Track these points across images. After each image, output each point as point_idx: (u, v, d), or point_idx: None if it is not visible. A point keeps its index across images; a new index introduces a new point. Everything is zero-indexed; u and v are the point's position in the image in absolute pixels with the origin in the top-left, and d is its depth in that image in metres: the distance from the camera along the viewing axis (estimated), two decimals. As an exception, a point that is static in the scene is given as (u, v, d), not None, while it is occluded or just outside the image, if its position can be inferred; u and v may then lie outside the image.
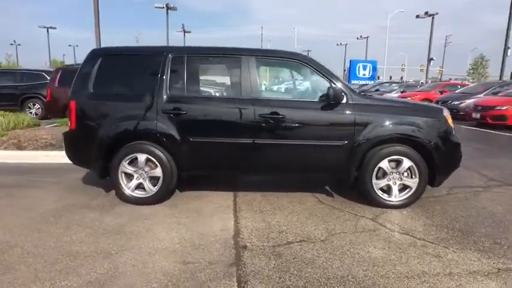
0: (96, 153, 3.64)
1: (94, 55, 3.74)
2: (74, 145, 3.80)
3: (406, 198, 3.59)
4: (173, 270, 2.44)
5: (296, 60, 3.65)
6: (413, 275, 2.39)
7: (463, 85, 16.42)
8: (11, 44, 53.63)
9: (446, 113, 3.64)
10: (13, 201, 3.82)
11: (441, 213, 3.52)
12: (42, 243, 2.85)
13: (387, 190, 3.62)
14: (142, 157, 3.60)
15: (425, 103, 4.50)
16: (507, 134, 9.25)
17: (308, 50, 58.64)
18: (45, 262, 2.55)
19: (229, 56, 3.69)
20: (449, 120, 3.60)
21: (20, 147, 6.12)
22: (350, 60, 21.75)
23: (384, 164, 3.53)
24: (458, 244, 2.86)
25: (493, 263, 2.57)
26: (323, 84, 3.58)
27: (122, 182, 3.67)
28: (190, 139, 3.54)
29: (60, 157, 5.70)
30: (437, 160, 3.50)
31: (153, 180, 3.69)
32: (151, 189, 3.67)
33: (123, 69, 3.74)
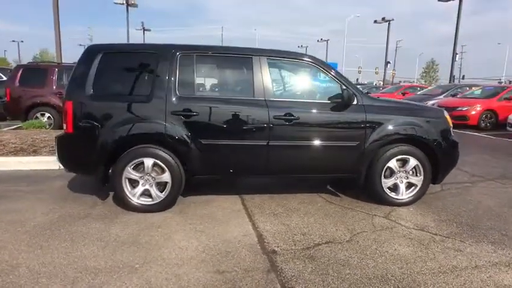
0: (98, 159, 3.35)
1: (92, 52, 3.44)
2: (70, 150, 3.47)
3: (412, 196, 3.74)
4: (211, 281, 2.31)
5: (306, 62, 3.65)
6: (446, 270, 2.48)
7: (422, 87, 17.58)
8: None
9: (446, 113, 3.86)
10: (-3, 215, 3.41)
11: (444, 209, 3.71)
12: (49, 260, 2.56)
13: (394, 188, 3.75)
14: (149, 162, 3.38)
15: (426, 104, 4.65)
16: (470, 132, 10.04)
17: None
18: (63, 282, 2.29)
19: (239, 56, 3.58)
20: (449, 121, 3.81)
21: (-16, 153, 5.49)
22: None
23: (392, 163, 3.65)
24: (471, 238, 3.03)
25: (509, 253, 2.75)
26: (333, 85, 3.62)
27: (126, 189, 3.42)
28: (202, 142, 3.39)
29: (35, 163, 5.24)
30: (440, 158, 3.69)
31: (160, 186, 3.49)
32: (158, 195, 3.46)
33: (126, 68, 3.50)
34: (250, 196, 4.03)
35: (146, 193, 3.49)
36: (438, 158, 3.68)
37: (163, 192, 3.47)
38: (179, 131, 3.35)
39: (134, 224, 3.21)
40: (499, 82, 39.53)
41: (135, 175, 3.42)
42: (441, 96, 12.52)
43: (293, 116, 3.45)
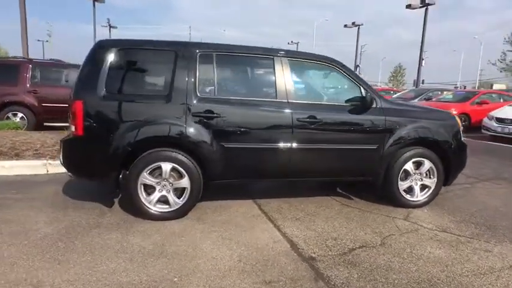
0: (111, 163, 3.10)
1: (104, 48, 3.17)
2: (80, 154, 3.18)
3: (426, 198, 3.82)
4: (262, 293, 2.19)
5: (327, 64, 3.61)
6: (485, 272, 2.53)
7: (396, 91, 18.30)
8: None
9: (457, 117, 3.99)
10: (-7, 227, 3.04)
11: (456, 210, 3.82)
12: (74, 276, 2.31)
13: (408, 191, 3.81)
14: (167, 166, 3.18)
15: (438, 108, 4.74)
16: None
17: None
18: (99, 301, 2.07)
19: (261, 56, 3.47)
20: (459, 124, 3.95)
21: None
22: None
23: (409, 165, 3.71)
24: (493, 238, 3.13)
25: (532, 252, 2.88)
26: (353, 88, 3.62)
27: (141, 196, 3.20)
28: (224, 145, 3.24)
29: (19, 168, 4.80)
30: (451, 161, 3.80)
31: (177, 191, 3.29)
32: (176, 202, 3.26)
33: (142, 66, 3.28)
34: (264, 201, 3.92)
35: (162, 200, 3.28)
36: (450, 160, 3.79)
37: (181, 199, 3.28)
38: (200, 134, 3.18)
39: (155, 234, 3.00)
40: (455, 87, 42.18)
41: (151, 181, 3.20)
42: (415, 100, 13.10)
43: (316, 118, 3.40)
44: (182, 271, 2.42)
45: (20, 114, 7.87)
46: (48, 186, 4.25)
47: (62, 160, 3.32)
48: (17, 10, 13.01)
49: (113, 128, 3.08)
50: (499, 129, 8.79)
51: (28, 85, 7.88)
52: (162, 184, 3.24)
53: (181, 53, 3.23)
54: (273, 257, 2.67)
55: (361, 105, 3.50)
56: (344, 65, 3.64)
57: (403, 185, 3.75)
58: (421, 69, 23.37)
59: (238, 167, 3.37)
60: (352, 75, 3.63)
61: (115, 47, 3.16)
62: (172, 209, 3.26)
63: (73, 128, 3.13)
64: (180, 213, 3.29)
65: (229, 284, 2.28)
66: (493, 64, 31.17)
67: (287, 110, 3.35)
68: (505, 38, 30.17)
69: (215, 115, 3.21)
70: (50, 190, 4.10)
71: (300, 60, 3.56)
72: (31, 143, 5.54)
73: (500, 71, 30.50)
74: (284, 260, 2.62)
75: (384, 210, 3.74)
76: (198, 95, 3.21)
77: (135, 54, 3.26)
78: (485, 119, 9.48)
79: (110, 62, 3.12)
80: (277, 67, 3.41)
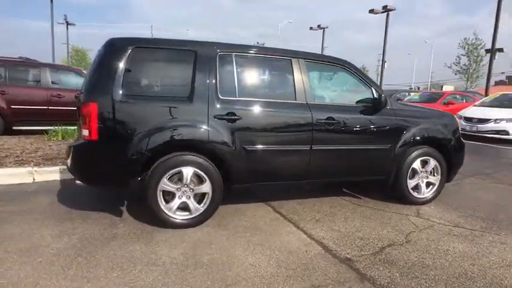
0: (130, 169, 2.91)
1: (119, 47, 2.96)
2: (94, 160, 2.94)
3: (431, 194, 3.99)
4: (316, 298, 2.16)
5: (341, 65, 3.66)
6: (509, 263, 2.68)
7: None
8: None
9: (457, 118, 4.22)
10: (-5, 244, 2.72)
11: (459, 205, 4.02)
12: (111, 295, 2.13)
13: (415, 188, 3.96)
14: (188, 171, 3.04)
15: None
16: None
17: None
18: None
19: (279, 57, 3.43)
20: (459, 124, 4.17)
21: None
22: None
23: (416, 164, 3.86)
24: (502, 230, 3.33)
25: (540, 242, 3.10)
26: (365, 89, 3.69)
27: (161, 203, 3.03)
28: (247, 148, 3.16)
29: (2, 177, 4.36)
30: (453, 159, 4.01)
31: (196, 197, 3.16)
32: (197, 208, 3.13)
33: (160, 66, 3.11)
34: (277, 203, 3.88)
35: (181, 206, 3.13)
36: (452, 158, 4.00)
37: (202, 205, 3.15)
38: (223, 137, 3.08)
39: (180, 243, 2.85)
40: (410, 88, 44.77)
41: (171, 187, 3.04)
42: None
43: (334, 119, 3.43)
44: (226, 281, 2.32)
45: (-19, 118, 7.17)
46: (40, 196, 3.90)
47: (71, 167, 3.06)
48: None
49: (132, 132, 2.89)
50: (468, 128, 9.45)
51: (-8, 85, 7.21)
52: (183, 190, 3.09)
53: (201, 53, 3.10)
54: (309, 260, 2.64)
55: (375, 105, 3.58)
56: (355, 66, 3.71)
57: (411, 183, 3.89)
58: (383, 71, 24.56)
59: (260, 169, 3.30)
60: (363, 76, 3.71)
61: (131, 46, 2.96)
62: (193, 216, 3.12)
63: (86, 132, 2.89)
64: (201, 220, 3.15)
65: (280, 291, 2.22)
66: (448, 67, 33.66)
67: (307, 111, 3.34)
68: (459, 43, 32.69)
69: (237, 117, 3.12)
70: (43, 200, 3.77)
71: (315, 61, 3.57)
72: (10, 149, 5.07)
73: (455, 74, 33.01)
74: (322, 263, 2.60)
75: (394, 208, 3.85)
76: (220, 96, 3.10)
77: (153, 54, 3.08)
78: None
79: (126, 62, 2.92)
80: (295, 68, 3.39)
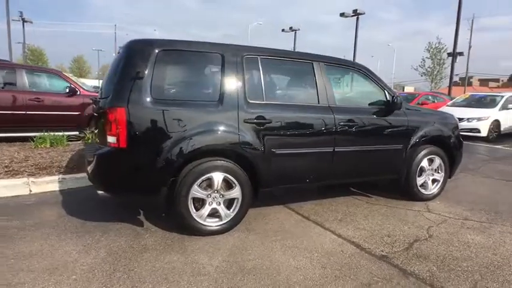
0: (163, 177, 2.82)
1: (144, 49, 2.85)
2: (123, 169, 2.81)
3: (436, 191, 4.23)
4: (373, 296, 2.22)
5: (356, 68, 3.79)
6: (525, 250, 2.93)
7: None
8: None
9: (456, 117, 4.50)
10: (17, 264, 2.52)
11: (460, 200, 4.29)
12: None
13: (422, 185, 4.17)
14: (219, 177, 2.99)
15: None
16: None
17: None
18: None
19: (301, 61, 3.48)
20: (458, 123, 4.46)
21: None
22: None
23: (424, 163, 4.07)
24: (506, 221, 3.60)
25: (543, 230, 3.40)
26: (379, 91, 3.84)
27: (192, 211, 2.96)
28: (276, 151, 3.18)
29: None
30: (455, 156, 4.28)
31: (225, 203, 3.12)
32: (227, 214, 3.09)
33: (188, 69, 3.04)
34: (295, 205, 3.92)
35: (210, 213, 3.07)
36: (454, 155, 4.27)
37: (231, 210, 3.12)
38: (253, 141, 3.07)
39: (216, 250, 2.81)
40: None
41: (202, 193, 2.98)
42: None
43: (354, 121, 3.54)
44: (279, 285, 2.32)
45: None
46: (44, 208, 3.65)
47: (93, 177, 2.91)
48: None
49: (163, 137, 2.80)
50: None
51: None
52: (213, 196, 3.04)
53: (229, 56, 3.07)
54: (349, 260, 2.71)
55: (390, 107, 3.73)
56: (369, 69, 3.84)
57: (419, 181, 4.10)
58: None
59: (287, 173, 3.33)
60: (376, 79, 3.86)
61: (158, 48, 2.87)
62: (223, 222, 3.08)
63: (112, 139, 2.75)
64: (231, 226, 3.12)
65: (336, 292, 2.26)
66: (415, 69, 35.53)
67: (330, 114, 3.42)
68: (425, 47, 34.56)
69: (266, 121, 3.13)
70: (50, 213, 3.53)
71: (333, 64, 3.66)
72: (-5, 159, 4.68)
73: (421, 75, 34.92)
74: (363, 262, 2.68)
75: (405, 205, 4.04)
76: (248, 100, 3.09)
77: (179, 57, 3.00)
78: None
79: (154, 65, 2.82)
80: (317, 71, 3.46)
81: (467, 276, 2.49)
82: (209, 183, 3.01)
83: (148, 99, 2.78)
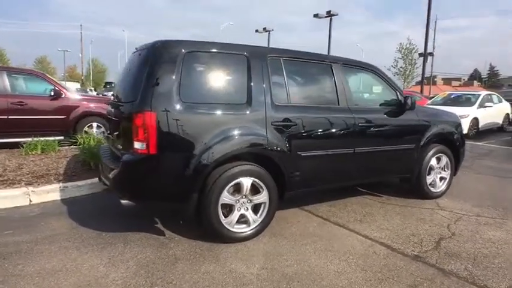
0: (193, 184, 2.70)
1: (172, 51, 2.72)
2: (152, 176, 2.65)
3: (444, 188, 4.35)
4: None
5: (371, 70, 3.82)
6: (543, 244, 3.06)
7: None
8: None
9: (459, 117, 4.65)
10: (44, 283, 2.32)
11: (466, 196, 4.41)
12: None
13: (431, 183, 4.28)
14: (247, 182, 2.91)
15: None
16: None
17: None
18: None
19: (322, 63, 3.46)
20: (461, 122, 4.61)
21: None
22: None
23: (433, 161, 4.17)
24: (515, 216, 3.78)
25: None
26: (391, 91, 3.89)
27: (221, 218, 2.85)
28: (302, 154, 3.14)
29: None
30: (459, 154, 4.43)
31: (252, 208, 3.04)
32: (255, 219, 3.01)
33: (214, 71, 2.93)
34: (311, 207, 3.89)
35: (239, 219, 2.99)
36: (459, 154, 4.41)
37: (258, 215, 3.05)
38: (280, 144, 3.01)
39: (250, 257, 2.73)
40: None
41: (231, 199, 2.89)
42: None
43: (372, 122, 3.57)
44: (328, 291, 2.29)
45: None
46: (51, 219, 3.41)
47: (117, 185, 2.74)
48: None
49: (193, 142, 2.68)
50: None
51: None
52: (241, 202, 2.95)
53: (254, 58, 3.00)
54: (385, 261, 2.72)
55: (403, 107, 3.79)
56: (381, 70, 3.89)
57: (429, 179, 4.20)
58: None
59: (312, 175, 3.30)
60: (388, 80, 3.91)
61: (185, 49, 2.74)
62: (251, 228, 3.00)
63: (139, 145, 2.60)
64: (259, 231, 3.04)
65: (386, 295, 2.25)
66: (388, 69, 36.61)
67: (350, 116, 3.43)
68: (397, 48, 35.61)
69: (292, 123, 3.08)
70: (59, 224, 3.31)
71: (350, 66, 3.67)
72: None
73: (394, 75, 35.97)
74: (399, 263, 2.69)
75: (415, 203, 4.11)
76: (275, 102, 3.03)
77: (205, 58, 2.88)
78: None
79: (182, 67, 2.70)
80: (336, 73, 3.45)
81: (505, 274, 2.56)
82: (237, 189, 2.92)
83: (177, 102, 2.65)
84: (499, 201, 4.27)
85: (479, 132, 10.54)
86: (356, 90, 4.10)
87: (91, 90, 34.00)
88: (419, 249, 2.94)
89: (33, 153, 5.15)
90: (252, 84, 2.95)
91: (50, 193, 3.99)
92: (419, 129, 3.98)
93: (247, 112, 2.90)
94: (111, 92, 29.34)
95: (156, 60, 2.69)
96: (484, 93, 11.49)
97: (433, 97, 14.68)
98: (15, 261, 2.61)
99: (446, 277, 2.49)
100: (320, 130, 3.27)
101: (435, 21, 37.20)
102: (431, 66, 38.82)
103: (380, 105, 3.83)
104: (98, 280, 2.37)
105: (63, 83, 13.40)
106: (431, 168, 4.22)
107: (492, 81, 60.96)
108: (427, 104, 11.52)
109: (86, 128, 6.96)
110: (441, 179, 4.37)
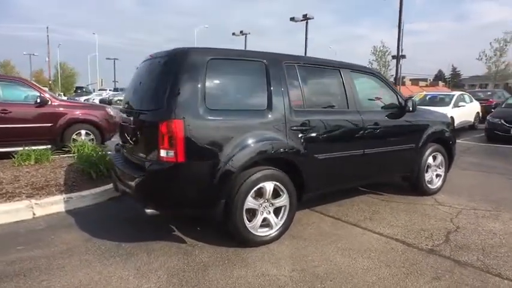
0: (220, 191, 2.72)
1: (197, 58, 2.75)
2: (179, 184, 2.65)
3: (439, 185, 4.61)
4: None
5: (373, 74, 4.00)
6: (540, 233, 3.33)
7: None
8: None
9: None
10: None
11: (460, 192, 4.69)
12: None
13: (429, 181, 4.52)
14: (270, 186, 2.98)
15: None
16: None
17: (115, 58, 54.83)
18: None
19: (331, 68, 3.60)
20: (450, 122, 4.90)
21: None
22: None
23: (430, 160, 4.42)
24: (510, 208, 4.05)
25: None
26: (393, 95, 4.10)
27: (246, 222, 2.90)
28: (319, 157, 3.25)
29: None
30: (452, 152, 4.71)
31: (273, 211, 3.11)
32: (277, 223, 3.08)
33: (236, 78, 2.98)
34: (319, 208, 4.01)
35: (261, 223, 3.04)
36: (451, 151, 4.69)
37: (279, 218, 3.12)
38: (299, 148, 3.11)
39: (277, 260, 2.79)
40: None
41: (254, 204, 2.94)
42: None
43: (378, 124, 3.74)
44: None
45: None
46: (61, 233, 3.31)
47: (144, 194, 2.71)
48: None
49: (219, 148, 2.71)
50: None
51: None
52: (263, 206, 3.01)
53: (272, 64, 3.08)
54: (404, 256, 2.87)
55: (404, 110, 4.00)
56: (382, 75, 4.09)
57: (427, 177, 4.44)
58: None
59: (329, 177, 3.42)
60: (389, 84, 4.12)
61: (208, 57, 2.78)
62: (273, 231, 3.07)
63: (166, 153, 2.60)
64: (281, 233, 3.12)
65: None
66: None
67: (360, 118, 3.58)
68: (371, 50, 36.65)
69: (309, 127, 3.18)
70: (71, 237, 3.22)
71: (355, 70, 3.83)
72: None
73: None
74: (417, 257, 2.85)
75: (416, 200, 4.34)
76: (292, 107, 3.12)
77: (228, 65, 2.93)
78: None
79: (206, 73, 2.73)
80: (344, 78, 3.60)
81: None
82: (259, 193, 2.98)
83: (202, 109, 2.68)
84: (489, 195, 4.57)
85: (454, 130, 11.12)
86: (362, 94, 4.27)
87: (60, 95, 32.68)
88: (432, 243, 3.12)
89: (27, 163, 4.94)
90: (271, 89, 3.03)
91: (54, 205, 3.86)
92: (419, 129, 4.22)
93: (269, 117, 2.98)
94: (85, 98, 28.06)
95: (180, 68, 2.70)
96: (457, 93, 12.17)
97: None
98: (37, 277, 2.53)
99: (463, 268, 2.67)
100: (334, 133, 3.40)
101: (403, 25, 38.81)
102: (400, 67, 40.48)
103: (383, 108, 4.01)
104: (135, 290, 2.35)
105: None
106: (428, 166, 4.47)
107: (455, 81, 64.29)
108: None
109: (74, 136, 6.74)
110: (437, 176, 4.63)
